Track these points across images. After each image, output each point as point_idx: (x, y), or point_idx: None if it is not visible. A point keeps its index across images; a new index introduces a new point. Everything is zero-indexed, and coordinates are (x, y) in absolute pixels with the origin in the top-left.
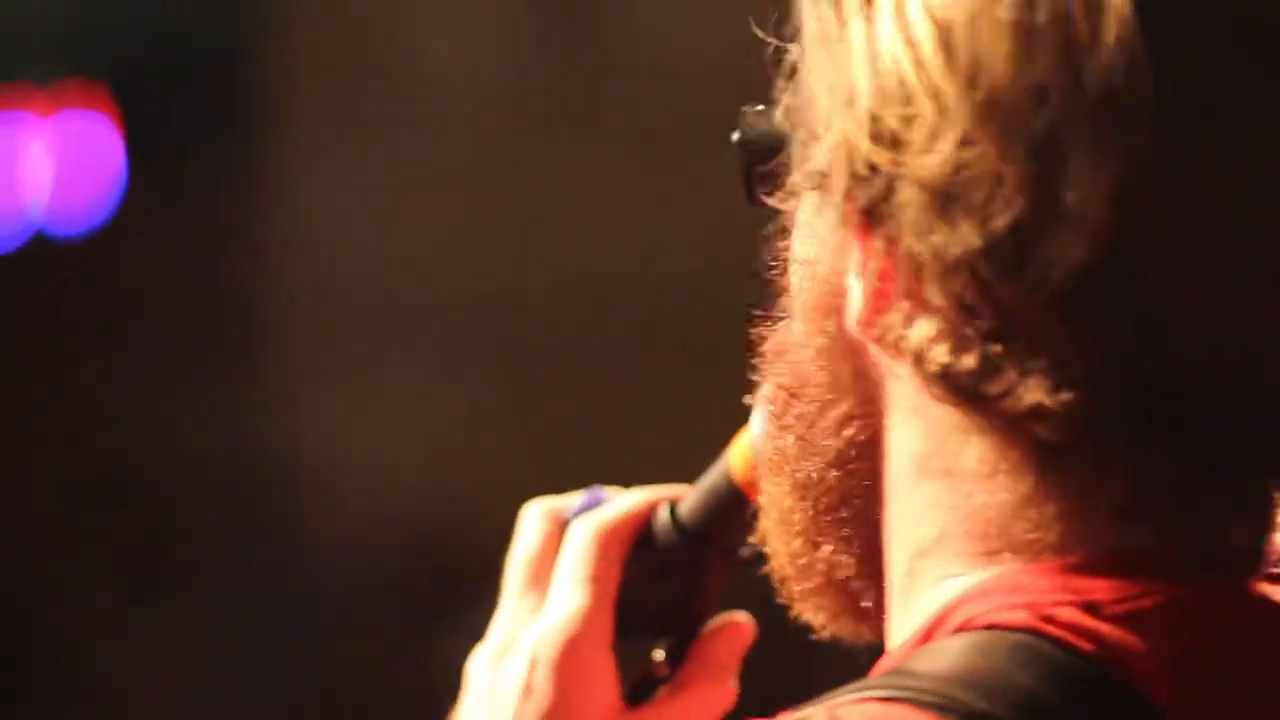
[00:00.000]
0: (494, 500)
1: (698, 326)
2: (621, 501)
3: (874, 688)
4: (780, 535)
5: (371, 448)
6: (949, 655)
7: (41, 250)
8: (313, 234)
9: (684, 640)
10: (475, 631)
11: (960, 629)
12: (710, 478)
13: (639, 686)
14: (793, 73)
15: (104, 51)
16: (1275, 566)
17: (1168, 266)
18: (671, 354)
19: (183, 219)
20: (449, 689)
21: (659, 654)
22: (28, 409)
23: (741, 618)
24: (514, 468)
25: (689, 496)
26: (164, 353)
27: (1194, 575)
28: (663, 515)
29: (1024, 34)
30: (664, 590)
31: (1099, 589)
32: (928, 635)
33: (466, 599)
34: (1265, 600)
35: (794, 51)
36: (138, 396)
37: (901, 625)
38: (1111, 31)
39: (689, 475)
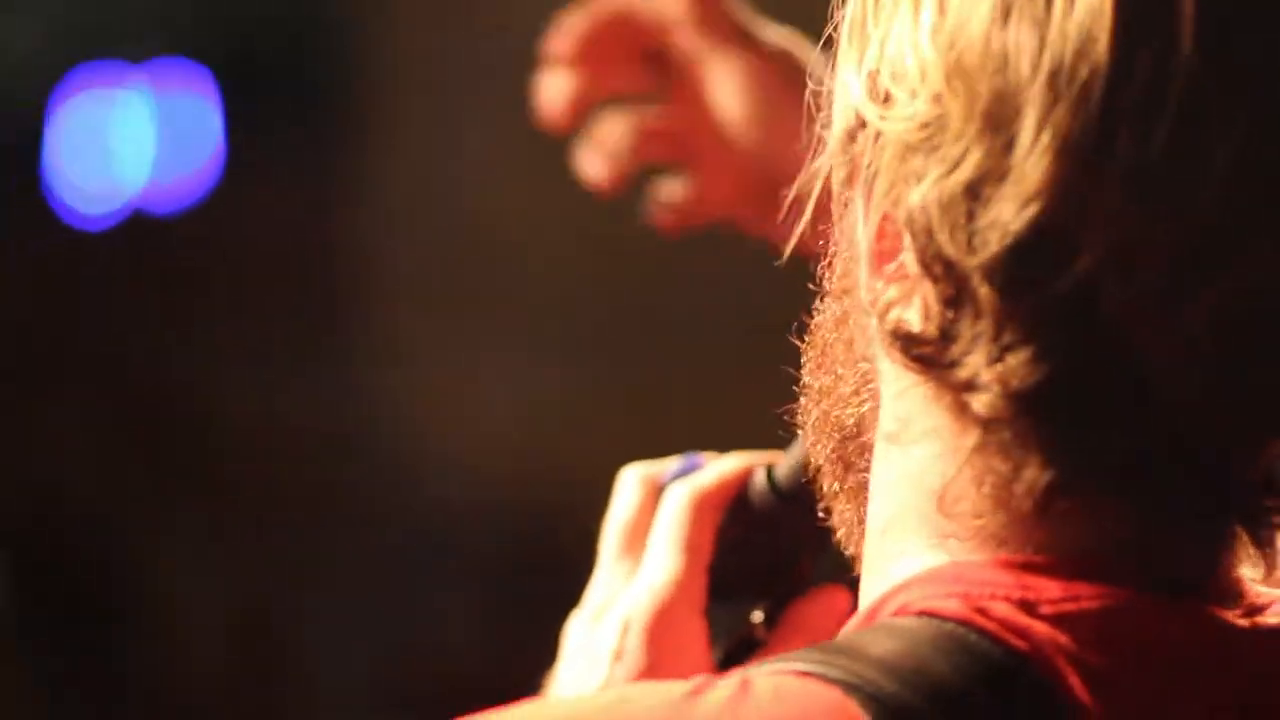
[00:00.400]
0: (591, 468)
1: (798, 300)
2: (717, 467)
3: (795, 660)
4: (825, 495)
5: (471, 419)
6: (876, 638)
7: (140, 227)
8: (412, 208)
9: (780, 605)
10: (574, 598)
11: (897, 614)
12: None
13: (734, 650)
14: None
15: (201, 27)
16: (1245, 598)
17: (1104, 246)
18: (770, 327)
19: (282, 195)
20: (546, 656)
21: (757, 617)
22: (128, 386)
23: (839, 588)
24: (611, 437)
25: (785, 460)
26: (262, 328)
27: (1135, 586)
28: (759, 479)
29: (1005, 1)
30: (760, 554)
31: (1038, 587)
32: (870, 617)
33: (565, 566)
34: (1210, 620)
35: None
36: (237, 372)
37: (863, 601)
38: (1084, 6)
39: (784, 443)
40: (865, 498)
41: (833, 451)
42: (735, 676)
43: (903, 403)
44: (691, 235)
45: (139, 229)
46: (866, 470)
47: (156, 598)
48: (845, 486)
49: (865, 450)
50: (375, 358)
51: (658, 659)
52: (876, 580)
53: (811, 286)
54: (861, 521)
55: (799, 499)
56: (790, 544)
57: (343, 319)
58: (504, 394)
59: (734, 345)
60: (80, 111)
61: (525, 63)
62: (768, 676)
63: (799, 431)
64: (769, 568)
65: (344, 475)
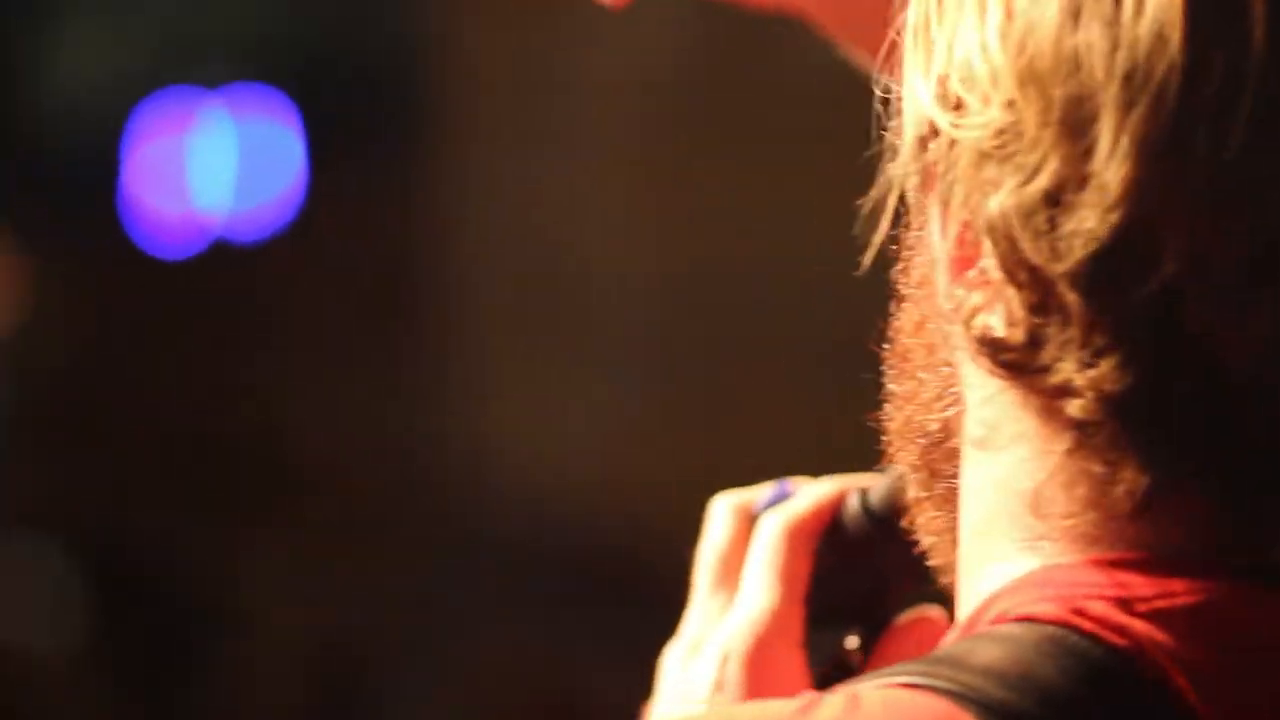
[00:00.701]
0: (671, 493)
1: (874, 319)
2: (810, 493)
3: (902, 673)
4: (911, 503)
5: (551, 445)
6: (978, 646)
7: (222, 256)
8: (493, 234)
9: (876, 630)
10: (665, 628)
11: (996, 621)
12: None
13: (829, 676)
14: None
15: (283, 55)
16: None
17: (1184, 248)
18: (849, 347)
19: (363, 222)
20: (627, 681)
21: (852, 642)
22: (213, 414)
23: (935, 611)
24: (690, 461)
25: (879, 484)
26: (343, 355)
27: (1233, 579)
28: (853, 504)
29: (1074, 2)
30: (855, 580)
31: (1133, 584)
32: (970, 627)
33: (654, 595)
34: None
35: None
36: (316, 398)
37: (960, 612)
38: (1154, 4)
39: (862, 460)
40: (954, 505)
41: (918, 458)
42: (843, 692)
43: (990, 408)
44: (772, 256)
45: (220, 258)
46: (954, 476)
47: (236, 624)
48: (933, 493)
49: (952, 456)
50: (457, 384)
51: (758, 691)
52: (970, 585)
53: (886, 302)
54: (950, 529)
55: (893, 523)
56: (886, 568)
57: (424, 345)
58: (584, 420)
59: (814, 368)
60: (159, 139)
61: (606, 87)
62: (875, 690)
63: (884, 440)
64: (865, 593)
65: (428, 501)
